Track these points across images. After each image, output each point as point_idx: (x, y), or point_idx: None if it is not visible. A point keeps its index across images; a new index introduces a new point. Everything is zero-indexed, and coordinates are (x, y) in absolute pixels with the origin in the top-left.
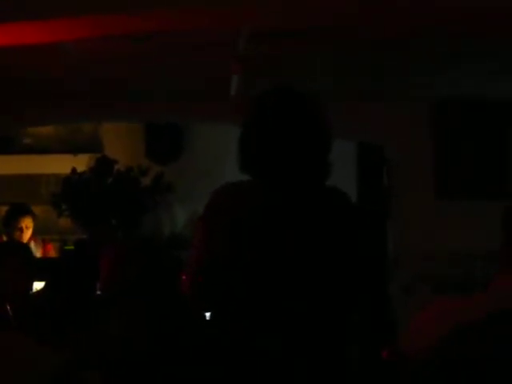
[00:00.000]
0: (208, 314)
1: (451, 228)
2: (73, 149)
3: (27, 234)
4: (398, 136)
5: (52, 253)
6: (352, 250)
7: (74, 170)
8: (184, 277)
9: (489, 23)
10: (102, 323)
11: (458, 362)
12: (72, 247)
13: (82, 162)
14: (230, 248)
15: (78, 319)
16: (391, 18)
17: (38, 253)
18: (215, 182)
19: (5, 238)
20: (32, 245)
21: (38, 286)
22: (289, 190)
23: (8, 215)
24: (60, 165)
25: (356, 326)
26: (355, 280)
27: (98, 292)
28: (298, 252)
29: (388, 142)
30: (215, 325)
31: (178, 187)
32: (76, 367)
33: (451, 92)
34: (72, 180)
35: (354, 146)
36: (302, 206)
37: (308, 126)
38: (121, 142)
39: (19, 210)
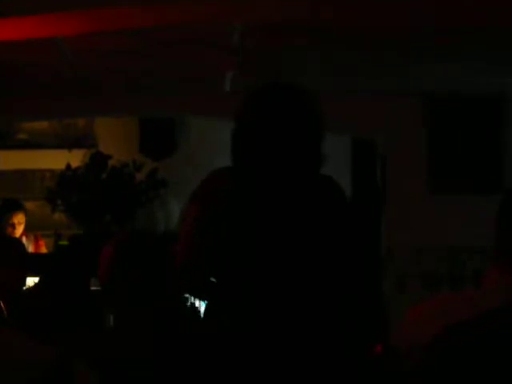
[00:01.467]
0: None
1: (444, 224)
2: (67, 144)
3: (19, 230)
4: (391, 131)
5: (43, 249)
6: (340, 240)
7: (68, 165)
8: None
9: (479, 18)
10: (98, 320)
11: (451, 360)
12: (66, 242)
13: (76, 158)
14: (220, 235)
15: (71, 315)
16: (382, 14)
17: (29, 248)
18: None
19: None
20: (24, 240)
21: (29, 281)
22: (281, 179)
23: (0, 211)
24: (55, 160)
25: (346, 316)
26: (342, 271)
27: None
28: (287, 241)
29: (381, 137)
30: (211, 316)
31: (172, 182)
32: (71, 363)
33: (444, 87)
34: (66, 175)
35: (348, 142)
36: (293, 196)
37: (300, 117)
38: (115, 138)
39: (11, 206)
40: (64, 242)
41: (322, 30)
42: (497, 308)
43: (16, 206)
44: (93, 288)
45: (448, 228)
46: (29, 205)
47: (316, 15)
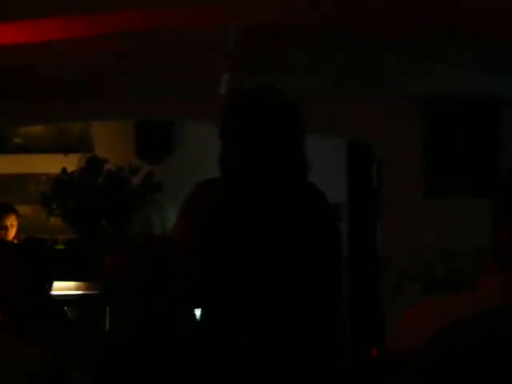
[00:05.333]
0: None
1: (441, 227)
2: (63, 148)
3: (12, 232)
4: (387, 135)
5: None
6: (317, 245)
7: (64, 169)
8: None
9: (476, 20)
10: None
11: (447, 361)
12: (62, 247)
13: (72, 162)
14: (207, 240)
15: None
16: (380, 15)
17: None
18: None
19: None
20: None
21: None
22: (266, 185)
23: None
24: (50, 164)
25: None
26: (318, 276)
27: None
28: (269, 244)
29: (377, 140)
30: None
31: (168, 186)
32: (68, 367)
33: (440, 90)
34: (62, 179)
35: (343, 144)
36: (277, 201)
37: (283, 122)
38: (111, 141)
39: (3, 208)
40: (60, 247)
41: (319, 32)
42: (493, 309)
43: (8, 209)
44: (91, 292)
45: (444, 232)
46: (24, 209)
47: (314, 17)
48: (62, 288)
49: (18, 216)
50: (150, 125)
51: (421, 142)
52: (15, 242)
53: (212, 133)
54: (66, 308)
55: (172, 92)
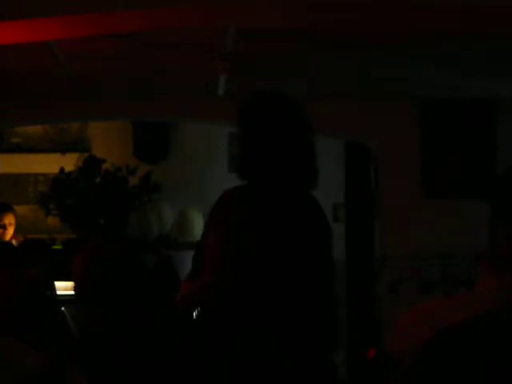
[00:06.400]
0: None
1: (438, 228)
2: (61, 148)
3: (10, 231)
4: (384, 136)
5: None
6: (313, 253)
7: (62, 169)
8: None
9: (474, 21)
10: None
11: (443, 364)
12: (60, 246)
13: (70, 162)
14: (239, 249)
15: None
16: (377, 18)
17: None
18: (203, 181)
19: None
20: (13, 243)
21: None
22: (275, 194)
23: None
24: (48, 164)
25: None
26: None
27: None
28: (271, 250)
29: (375, 141)
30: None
31: (165, 186)
32: (62, 370)
33: (438, 91)
34: (60, 179)
35: (341, 145)
36: (283, 210)
37: (297, 131)
38: (109, 141)
39: (1, 207)
40: (58, 247)
41: (316, 34)
42: (491, 311)
43: (5, 207)
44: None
45: (441, 233)
46: (22, 209)
47: (311, 19)
48: (59, 288)
49: (16, 215)
50: (147, 125)
51: (418, 143)
52: (13, 241)
53: (209, 134)
54: (63, 308)
55: (170, 93)
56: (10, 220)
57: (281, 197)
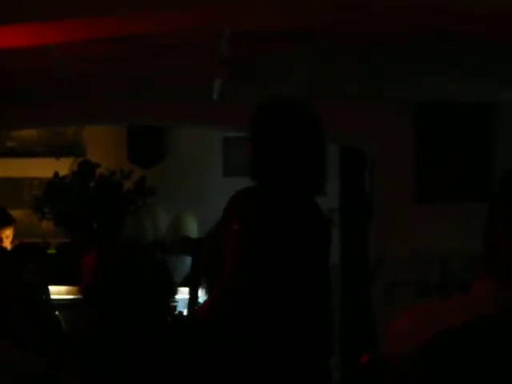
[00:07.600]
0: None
1: (433, 231)
2: (56, 152)
3: (6, 243)
4: (379, 138)
5: None
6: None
7: (56, 173)
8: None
9: (474, 24)
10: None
11: (441, 367)
12: (54, 251)
13: (64, 166)
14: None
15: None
16: (374, 21)
17: None
18: (198, 185)
19: None
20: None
21: None
22: (286, 197)
23: None
24: (42, 168)
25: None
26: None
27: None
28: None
29: (370, 144)
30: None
31: (160, 190)
32: (58, 374)
33: (433, 94)
34: (54, 183)
35: (336, 149)
36: (294, 214)
37: (313, 138)
38: (103, 146)
39: (1, 221)
40: (52, 251)
41: (312, 37)
42: (489, 314)
43: (5, 221)
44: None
45: (437, 235)
46: (16, 213)
47: (311, 19)
48: (53, 292)
49: (15, 226)
50: (141, 129)
51: (413, 147)
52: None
53: (204, 138)
54: (57, 313)
55: (164, 97)
56: (7, 234)
57: (291, 200)
